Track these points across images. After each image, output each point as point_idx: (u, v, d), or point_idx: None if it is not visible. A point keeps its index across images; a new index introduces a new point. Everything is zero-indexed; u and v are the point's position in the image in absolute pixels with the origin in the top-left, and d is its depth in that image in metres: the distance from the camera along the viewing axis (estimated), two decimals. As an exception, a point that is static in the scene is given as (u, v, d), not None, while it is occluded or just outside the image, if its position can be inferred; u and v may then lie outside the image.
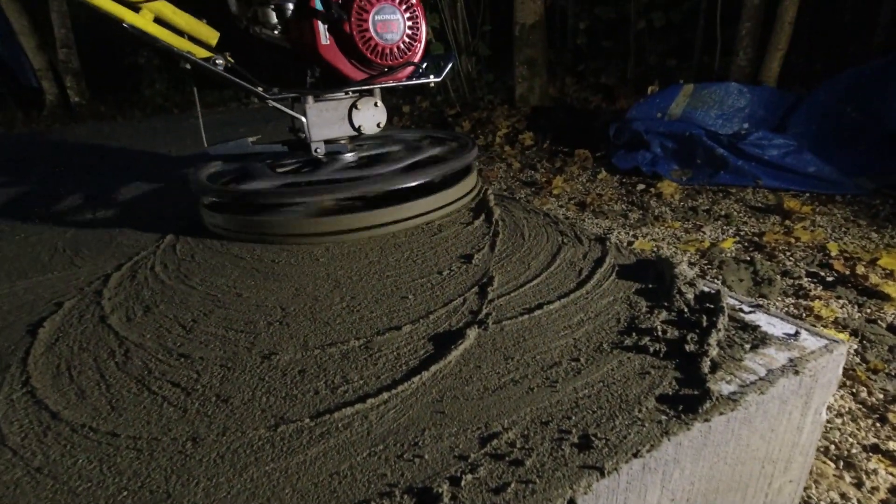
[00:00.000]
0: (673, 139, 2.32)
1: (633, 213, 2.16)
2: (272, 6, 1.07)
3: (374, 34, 1.05)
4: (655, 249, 1.78)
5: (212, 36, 1.17)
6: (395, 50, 1.08)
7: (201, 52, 1.10)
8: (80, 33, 4.29)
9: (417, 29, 1.10)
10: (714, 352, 0.62)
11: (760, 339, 0.65)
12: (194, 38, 1.12)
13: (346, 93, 1.15)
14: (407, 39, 1.09)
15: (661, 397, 0.56)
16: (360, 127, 1.18)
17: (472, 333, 0.68)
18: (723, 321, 0.67)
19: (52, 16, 3.93)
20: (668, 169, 2.34)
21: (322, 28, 1.04)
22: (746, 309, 0.72)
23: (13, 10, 3.85)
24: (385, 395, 0.57)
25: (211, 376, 0.64)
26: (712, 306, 0.71)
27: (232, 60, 1.09)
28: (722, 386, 0.57)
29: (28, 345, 0.73)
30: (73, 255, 1.06)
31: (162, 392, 0.61)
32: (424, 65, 1.18)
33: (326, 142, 1.19)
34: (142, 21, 1.00)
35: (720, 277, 1.55)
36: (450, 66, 1.23)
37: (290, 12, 1.06)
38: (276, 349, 0.68)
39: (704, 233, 1.91)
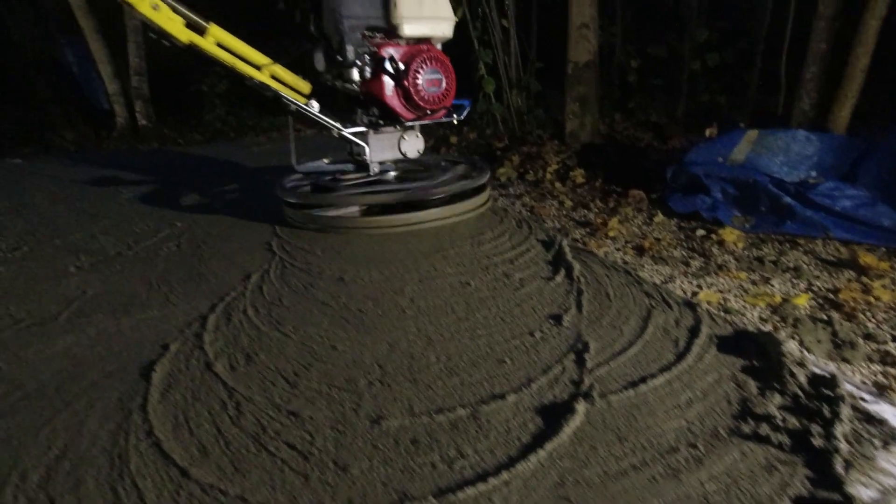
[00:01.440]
0: (735, 185, 2.27)
1: (695, 260, 2.10)
2: (357, 68, 1.42)
3: (423, 88, 1.45)
4: (722, 301, 1.73)
5: (306, 87, 1.50)
6: (436, 98, 1.48)
7: (301, 99, 1.45)
8: (152, 62, 4.56)
9: (450, 84, 1.51)
10: (843, 448, 0.59)
11: (891, 436, 0.62)
12: (295, 88, 1.46)
13: (396, 127, 1.54)
14: (443, 91, 1.50)
15: (798, 500, 0.53)
16: (405, 153, 1.58)
17: (581, 409, 0.67)
18: (846, 412, 0.64)
19: (129, 46, 4.22)
20: (730, 215, 2.28)
21: (388, 83, 1.42)
22: (868, 398, 0.69)
23: (95, 41, 4.16)
24: (505, 476, 0.57)
25: (324, 439, 0.65)
26: (830, 393, 0.68)
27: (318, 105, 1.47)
28: (861, 490, 0.54)
29: (144, 390, 0.76)
30: (168, 291, 1.11)
31: (280, 454, 0.63)
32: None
33: (380, 163, 1.56)
34: (263, 77, 1.37)
35: (796, 337, 1.49)
36: (467, 109, 1.66)
37: (368, 73, 1.43)
38: (382, 412, 0.69)
39: (773, 286, 1.84)
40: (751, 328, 0.85)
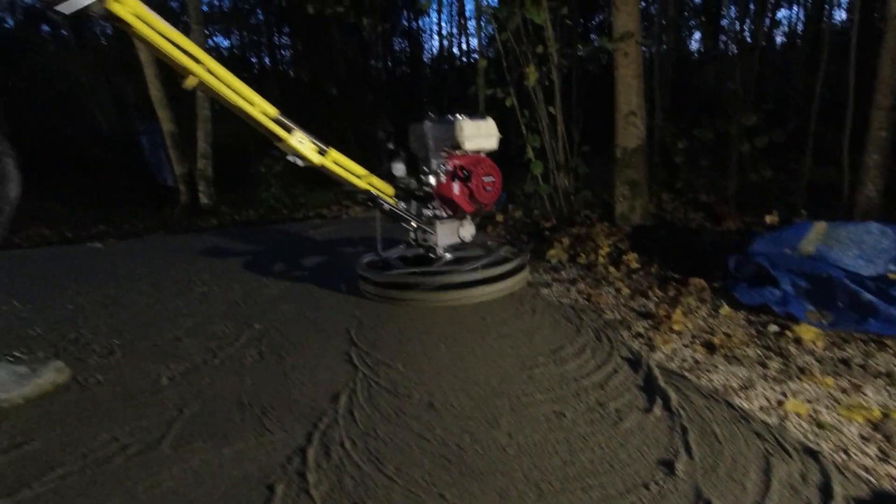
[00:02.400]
0: (806, 278, 2.20)
1: (772, 361, 2.00)
2: (434, 175, 1.85)
3: (482, 188, 1.86)
4: (813, 414, 1.62)
5: (391, 190, 1.87)
6: (490, 196, 1.89)
7: (391, 200, 1.86)
8: (216, 146, 4.93)
9: (499, 183, 1.92)
10: None
11: None
12: (384, 192, 1.83)
13: (455, 217, 1.96)
14: (495, 190, 1.91)
15: None
16: (463, 237, 1.98)
17: None
18: None
19: (198, 134, 4.60)
20: (803, 309, 2.19)
21: (457, 185, 1.84)
22: None
23: (169, 128, 4.55)
24: None
25: None
26: None
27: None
28: None
29: (260, 548, 0.75)
30: (261, 413, 1.13)
31: None
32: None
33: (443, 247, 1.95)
34: (364, 185, 1.76)
35: (908, 463, 1.37)
36: (503, 202, 2.13)
37: (442, 178, 1.85)
38: (511, 592, 0.66)
39: (867, 394, 1.73)
40: (888, 487, 0.79)
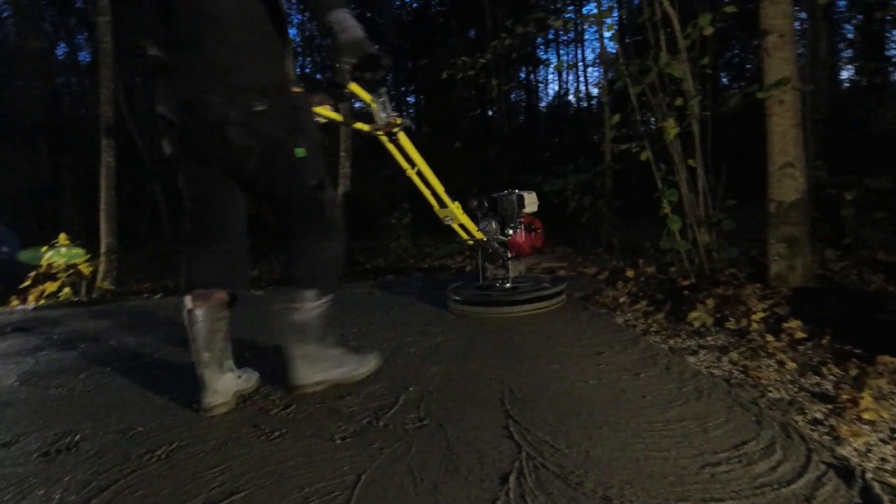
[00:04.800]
0: None
1: None
2: (513, 229, 2.66)
3: (537, 236, 2.75)
4: None
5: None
6: (541, 243, 2.82)
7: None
8: (352, 202, 5.43)
9: (543, 233, 2.83)
10: None
11: None
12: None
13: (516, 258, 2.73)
14: (542, 237, 2.81)
15: None
16: (521, 271, 2.78)
17: None
18: None
19: (338, 190, 5.11)
20: None
21: (524, 235, 2.69)
22: None
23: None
24: None
25: None
26: None
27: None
28: None
29: None
30: (433, 488, 1.16)
31: None
32: None
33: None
34: (480, 236, 2.60)
35: None
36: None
37: (517, 231, 2.66)
38: None
39: None
40: None
